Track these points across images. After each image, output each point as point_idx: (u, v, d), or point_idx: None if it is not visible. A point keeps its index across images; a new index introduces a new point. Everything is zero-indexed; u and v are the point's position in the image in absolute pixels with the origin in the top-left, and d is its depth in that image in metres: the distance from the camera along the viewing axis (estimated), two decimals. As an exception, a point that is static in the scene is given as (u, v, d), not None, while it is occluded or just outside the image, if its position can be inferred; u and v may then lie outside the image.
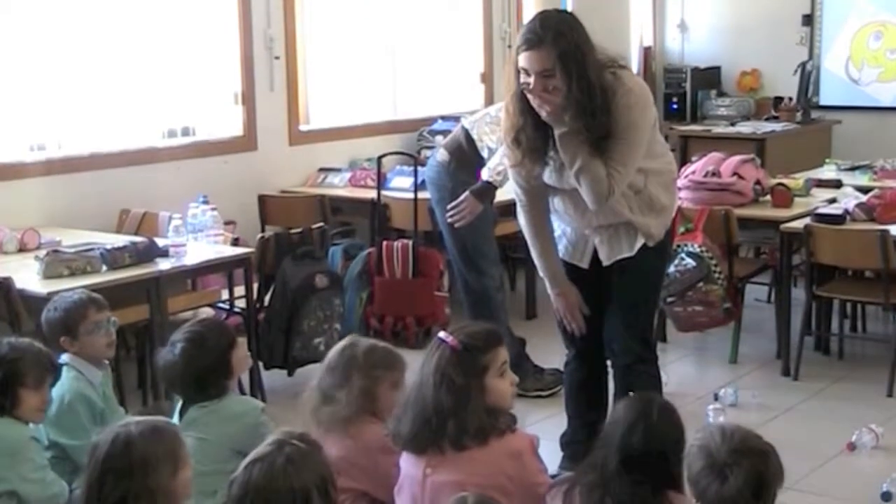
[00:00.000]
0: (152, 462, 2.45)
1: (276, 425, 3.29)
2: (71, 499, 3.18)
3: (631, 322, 3.78)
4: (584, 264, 3.78)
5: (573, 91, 3.36)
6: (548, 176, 3.62)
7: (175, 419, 3.23)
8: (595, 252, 3.74)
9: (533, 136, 3.51)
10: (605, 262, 3.72)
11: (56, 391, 3.36)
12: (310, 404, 3.14)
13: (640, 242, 3.68)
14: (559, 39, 3.34)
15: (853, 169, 6.33)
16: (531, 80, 3.39)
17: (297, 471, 2.33)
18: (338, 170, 6.58)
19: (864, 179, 6.05)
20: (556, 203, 3.72)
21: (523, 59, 3.39)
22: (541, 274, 3.84)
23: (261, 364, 4.97)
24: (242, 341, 3.46)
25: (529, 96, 3.42)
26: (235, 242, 5.30)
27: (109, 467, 2.44)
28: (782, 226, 5.16)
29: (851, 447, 4.32)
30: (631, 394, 2.95)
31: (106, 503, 2.43)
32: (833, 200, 5.37)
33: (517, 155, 3.58)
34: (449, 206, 4.83)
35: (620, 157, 3.46)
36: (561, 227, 3.79)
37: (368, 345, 3.19)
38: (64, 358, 3.48)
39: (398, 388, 3.12)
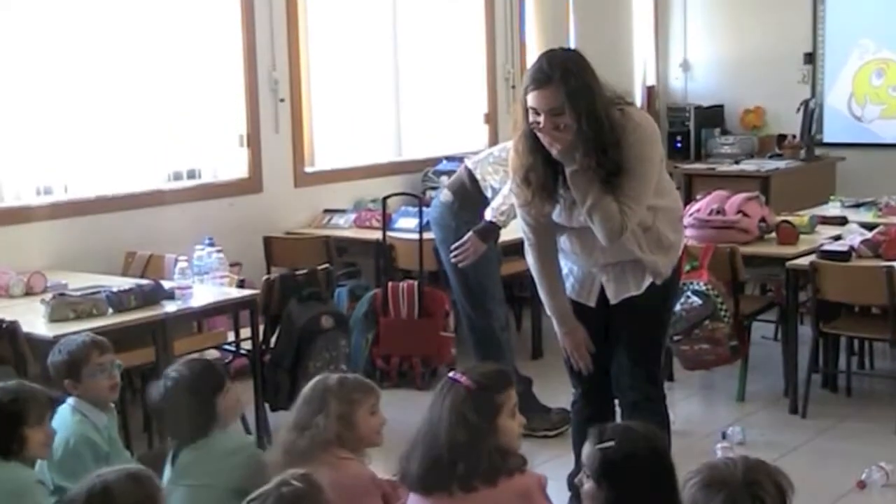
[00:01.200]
0: None
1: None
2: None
3: (639, 360, 3.76)
4: (592, 303, 3.77)
5: (583, 128, 3.36)
6: (557, 214, 3.61)
7: (168, 464, 3.23)
8: (602, 291, 3.74)
9: (543, 175, 3.50)
10: (613, 301, 3.72)
11: (60, 435, 3.36)
12: (283, 440, 3.14)
13: (647, 281, 3.67)
14: (567, 77, 3.35)
15: (858, 206, 6.33)
16: (541, 118, 3.39)
17: None
18: (343, 211, 6.60)
19: (868, 216, 6.05)
20: (564, 242, 3.72)
21: (532, 99, 3.40)
22: (548, 312, 3.83)
23: (267, 405, 4.96)
24: (234, 386, 3.41)
25: (539, 135, 3.43)
26: (241, 284, 5.31)
27: None
28: (788, 263, 5.15)
29: (862, 485, 4.29)
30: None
31: None
32: (838, 237, 5.37)
33: (527, 194, 3.58)
34: (453, 247, 4.83)
35: (632, 193, 3.46)
36: (568, 266, 3.79)
37: (339, 376, 3.23)
38: (69, 401, 3.48)
39: (375, 414, 3.15)
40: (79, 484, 2.52)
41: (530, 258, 3.77)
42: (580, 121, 3.36)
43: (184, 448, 3.25)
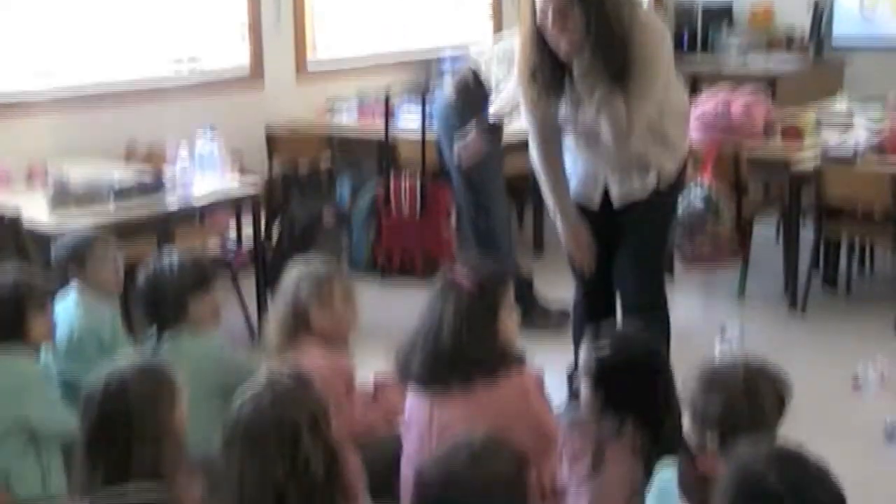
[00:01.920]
0: (148, 405, 2.46)
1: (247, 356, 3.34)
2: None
3: (641, 265, 3.77)
4: (595, 206, 3.76)
5: (592, 27, 3.33)
6: (563, 113, 3.60)
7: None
8: (605, 194, 3.73)
9: (549, 74, 3.48)
10: (617, 203, 3.71)
11: (64, 324, 3.39)
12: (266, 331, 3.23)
13: (652, 183, 3.66)
14: None
15: (865, 103, 6.26)
16: (549, 18, 3.36)
17: (287, 409, 2.31)
18: (345, 105, 6.53)
19: (875, 115, 5.99)
20: (570, 141, 3.70)
21: None
22: (551, 210, 3.82)
23: (269, 298, 4.99)
24: (216, 295, 3.37)
25: (547, 34, 3.40)
26: (243, 179, 5.29)
27: (106, 413, 2.45)
28: (792, 165, 5.13)
29: (857, 381, 4.34)
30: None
31: (110, 451, 2.43)
32: (844, 139, 5.33)
33: (534, 93, 3.56)
34: (456, 144, 4.81)
35: (640, 93, 3.44)
36: (572, 168, 3.77)
37: (311, 265, 3.25)
38: (73, 291, 3.50)
39: (327, 306, 3.15)
40: (94, 378, 2.52)
41: (535, 154, 3.75)
42: (588, 20, 3.33)
43: (155, 341, 3.26)
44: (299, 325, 3.15)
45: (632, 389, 2.65)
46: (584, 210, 3.78)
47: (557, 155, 3.73)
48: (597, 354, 2.69)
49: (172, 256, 3.35)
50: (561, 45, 3.39)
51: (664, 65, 3.53)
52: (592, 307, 3.93)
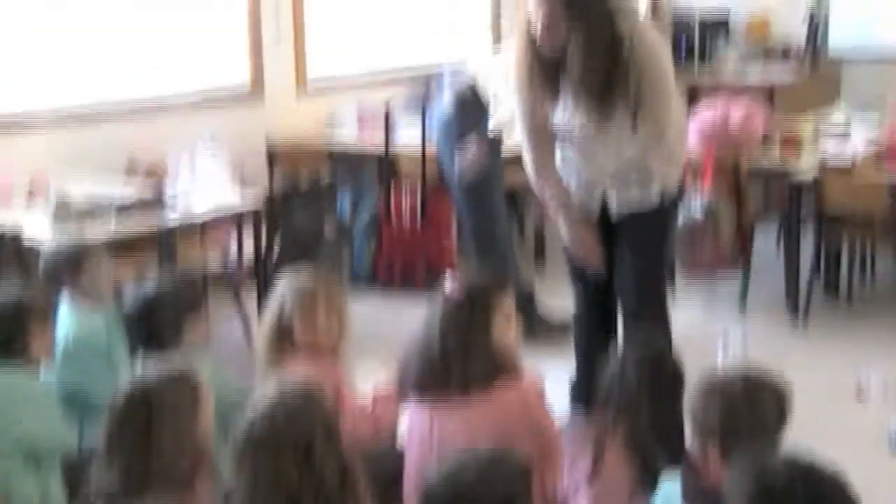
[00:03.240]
0: (172, 408, 2.46)
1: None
2: (81, 447, 3.21)
3: (642, 276, 3.76)
4: (593, 218, 3.76)
5: (578, 41, 3.37)
6: (559, 118, 3.61)
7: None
8: (603, 207, 3.73)
9: (544, 76, 3.52)
10: (615, 214, 3.71)
11: (59, 333, 3.39)
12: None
13: (655, 198, 3.66)
14: None
15: (862, 112, 6.27)
16: (540, 23, 3.41)
17: (298, 422, 2.31)
18: (346, 119, 6.54)
19: (873, 124, 6.00)
20: (565, 152, 3.71)
21: (532, 3, 3.42)
22: (552, 213, 3.81)
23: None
24: (206, 316, 3.39)
25: (539, 35, 3.43)
26: (244, 194, 5.30)
27: (129, 415, 2.45)
28: (791, 173, 5.14)
29: (860, 389, 4.34)
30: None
31: (130, 458, 2.42)
32: (842, 148, 5.34)
33: (528, 91, 3.59)
34: (456, 157, 4.82)
35: (662, 105, 3.49)
36: (567, 179, 3.78)
37: (301, 274, 3.25)
38: (65, 301, 3.50)
39: (309, 318, 3.15)
40: (119, 388, 2.52)
41: (529, 159, 3.76)
42: (576, 34, 3.37)
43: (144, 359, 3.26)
44: (284, 338, 3.15)
45: (653, 411, 2.64)
46: None
47: (551, 158, 3.74)
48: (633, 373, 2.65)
49: (163, 277, 3.35)
50: (553, 49, 3.44)
51: (672, 73, 3.57)
52: (593, 319, 3.94)
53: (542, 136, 3.69)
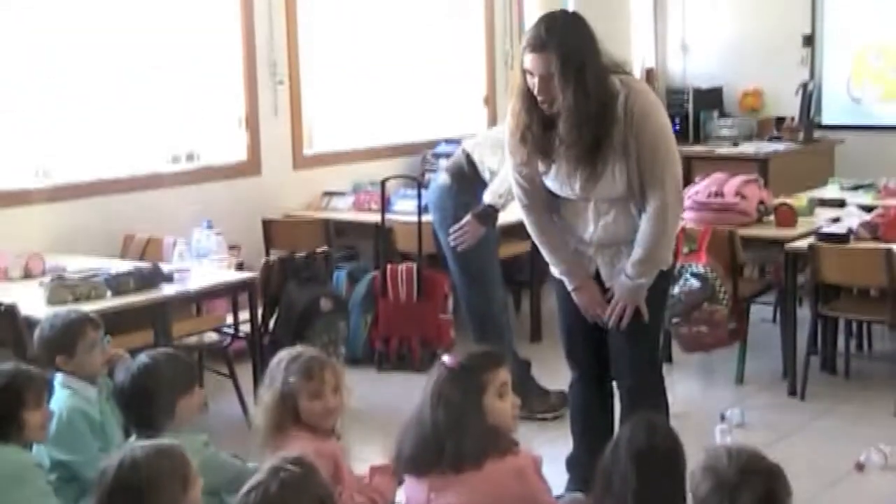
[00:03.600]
0: (160, 482, 2.44)
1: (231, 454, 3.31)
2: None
3: (636, 344, 3.74)
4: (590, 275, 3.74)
5: (567, 98, 3.39)
6: (551, 182, 3.62)
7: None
8: (597, 273, 3.73)
9: (539, 134, 3.53)
10: (608, 284, 3.71)
11: (53, 409, 3.36)
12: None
13: (649, 280, 3.63)
14: (562, 47, 3.38)
15: (856, 188, 6.33)
16: (535, 80, 3.44)
17: (294, 496, 2.31)
18: (342, 193, 6.59)
19: (867, 198, 6.05)
20: (562, 211, 3.71)
21: (527, 61, 3.44)
22: (555, 273, 3.77)
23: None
24: (200, 392, 3.38)
25: (536, 94, 3.46)
26: (240, 267, 5.31)
27: (118, 489, 2.44)
28: (787, 245, 5.15)
29: (860, 467, 4.30)
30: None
31: None
32: (837, 219, 5.37)
33: (523, 153, 3.60)
34: (451, 230, 4.83)
35: (654, 164, 3.49)
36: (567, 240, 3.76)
37: (294, 352, 3.21)
38: (58, 378, 3.48)
39: (323, 395, 3.13)
40: (109, 458, 2.52)
41: (528, 220, 3.75)
42: (568, 92, 3.38)
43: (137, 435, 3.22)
44: (287, 414, 3.13)
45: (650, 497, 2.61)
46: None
47: (549, 217, 3.72)
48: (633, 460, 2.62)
49: (157, 353, 3.33)
50: (548, 104, 3.45)
51: (669, 128, 3.60)
52: (589, 389, 3.91)
53: (538, 197, 3.68)
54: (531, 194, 3.70)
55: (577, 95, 3.38)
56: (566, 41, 3.39)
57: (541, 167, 3.60)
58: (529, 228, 3.78)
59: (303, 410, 3.13)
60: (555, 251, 3.74)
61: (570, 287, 3.74)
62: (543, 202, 3.71)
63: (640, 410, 3.52)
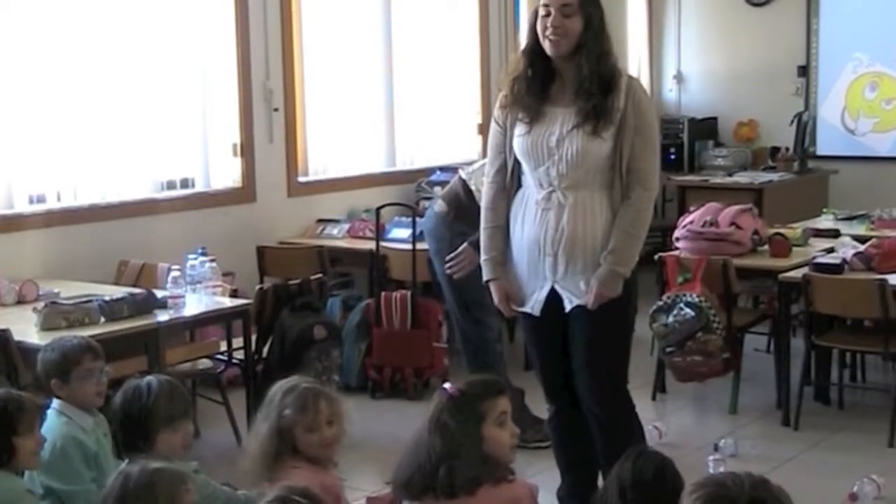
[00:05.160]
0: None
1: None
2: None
3: (598, 375, 3.65)
4: (536, 311, 3.66)
5: (588, 34, 3.50)
6: (527, 138, 3.60)
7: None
8: (547, 300, 3.62)
9: (526, 87, 3.59)
10: (568, 307, 3.61)
11: (47, 437, 3.34)
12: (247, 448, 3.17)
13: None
14: None
15: (851, 218, 6.34)
16: (550, 16, 3.49)
17: None
18: (336, 221, 6.60)
19: (861, 229, 6.06)
20: (519, 215, 3.66)
21: None
22: (482, 255, 3.75)
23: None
24: (186, 429, 3.31)
25: (543, 39, 3.52)
26: (234, 294, 5.30)
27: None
28: (781, 275, 5.16)
29: (853, 498, 4.29)
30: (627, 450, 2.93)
31: None
32: (831, 250, 5.38)
33: (506, 99, 3.64)
34: (447, 258, 4.83)
35: (644, 153, 3.55)
36: (516, 258, 3.69)
37: (291, 383, 3.17)
38: (53, 404, 3.47)
39: (318, 428, 3.09)
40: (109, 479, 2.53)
41: (486, 194, 3.76)
42: (587, 26, 3.50)
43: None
44: (284, 446, 3.11)
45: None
46: (529, 317, 3.70)
47: (505, 206, 3.70)
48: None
49: (151, 381, 3.31)
50: (557, 41, 3.51)
51: (657, 127, 3.68)
52: (566, 422, 3.84)
53: (502, 176, 3.70)
54: (500, 173, 3.69)
55: (595, 32, 3.51)
56: None
57: (523, 116, 3.60)
58: (483, 204, 3.76)
59: (300, 443, 3.11)
60: (493, 236, 3.72)
61: (486, 277, 3.74)
62: (507, 191, 3.70)
63: (611, 441, 3.52)
